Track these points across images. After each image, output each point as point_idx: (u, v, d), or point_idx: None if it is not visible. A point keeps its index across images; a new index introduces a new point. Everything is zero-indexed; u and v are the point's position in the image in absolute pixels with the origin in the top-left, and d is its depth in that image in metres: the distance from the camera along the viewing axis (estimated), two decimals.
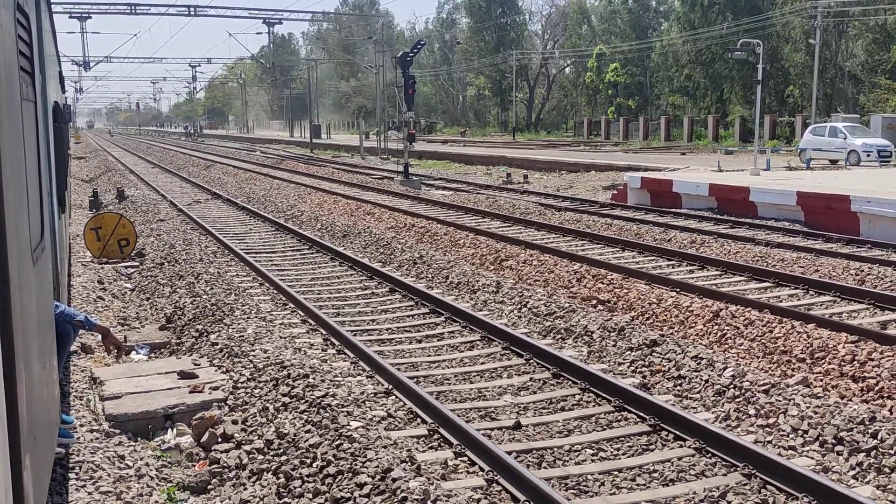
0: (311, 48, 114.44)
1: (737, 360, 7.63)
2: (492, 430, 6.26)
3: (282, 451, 5.75)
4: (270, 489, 5.32)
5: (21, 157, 2.72)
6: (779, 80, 57.60)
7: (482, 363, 8.01)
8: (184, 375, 7.35)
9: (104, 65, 67.60)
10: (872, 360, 7.28)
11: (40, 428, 2.85)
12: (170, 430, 6.44)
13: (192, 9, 46.21)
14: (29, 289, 2.72)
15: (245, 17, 50.97)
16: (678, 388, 7.11)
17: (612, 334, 8.47)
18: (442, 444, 5.98)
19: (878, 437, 5.63)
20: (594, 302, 10.27)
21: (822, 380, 7.25)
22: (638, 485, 5.37)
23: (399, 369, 7.52)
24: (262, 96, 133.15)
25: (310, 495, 5.16)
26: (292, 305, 10.35)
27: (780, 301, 9.96)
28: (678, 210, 19.55)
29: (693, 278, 11.46)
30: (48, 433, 3.32)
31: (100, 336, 6.17)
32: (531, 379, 7.43)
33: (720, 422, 6.36)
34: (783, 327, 8.38)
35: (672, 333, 8.80)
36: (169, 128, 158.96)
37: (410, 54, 31.57)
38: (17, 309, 2.29)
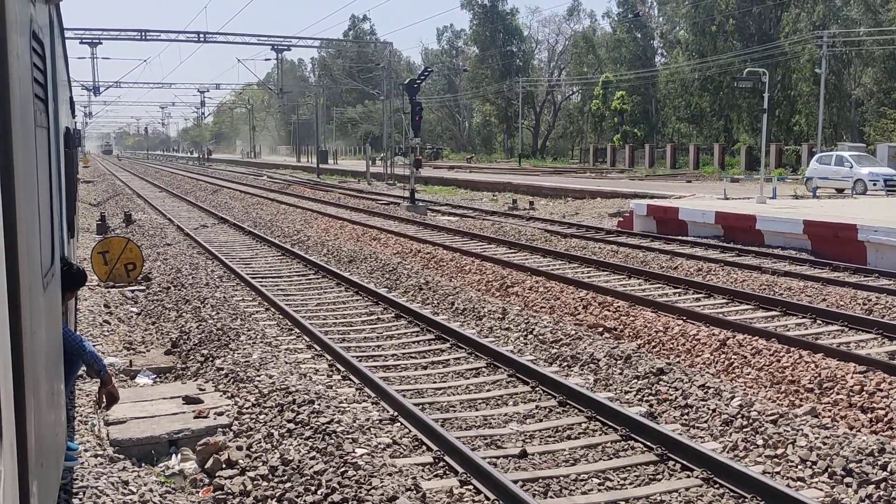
0: (318, 74, 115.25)
1: (744, 390, 7.58)
2: (497, 458, 6.22)
3: (286, 477, 5.72)
4: None
5: (34, 183, 2.74)
6: (785, 108, 57.80)
7: (488, 390, 7.98)
8: (189, 400, 7.34)
9: (113, 90, 67.96)
10: (881, 390, 7.23)
11: (47, 454, 2.85)
12: (174, 455, 6.41)
13: (201, 35, 46.59)
14: (39, 314, 2.73)
15: (254, 44, 51.42)
16: (685, 417, 7.07)
17: (619, 362, 8.44)
18: (447, 472, 5.94)
19: (888, 469, 5.58)
20: (600, 329, 10.25)
21: (830, 410, 7.20)
22: None
23: (404, 396, 7.49)
24: (270, 121, 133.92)
25: None
26: (298, 331, 10.34)
27: (788, 330, 9.92)
28: (684, 238, 19.53)
29: (700, 306, 11.43)
30: (55, 459, 3.31)
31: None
32: (537, 406, 7.39)
33: (728, 452, 6.31)
34: (791, 357, 8.33)
35: (679, 362, 8.76)
36: (178, 152, 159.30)
37: (418, 81, 31.80)
38: (28, 335, 2.29)
